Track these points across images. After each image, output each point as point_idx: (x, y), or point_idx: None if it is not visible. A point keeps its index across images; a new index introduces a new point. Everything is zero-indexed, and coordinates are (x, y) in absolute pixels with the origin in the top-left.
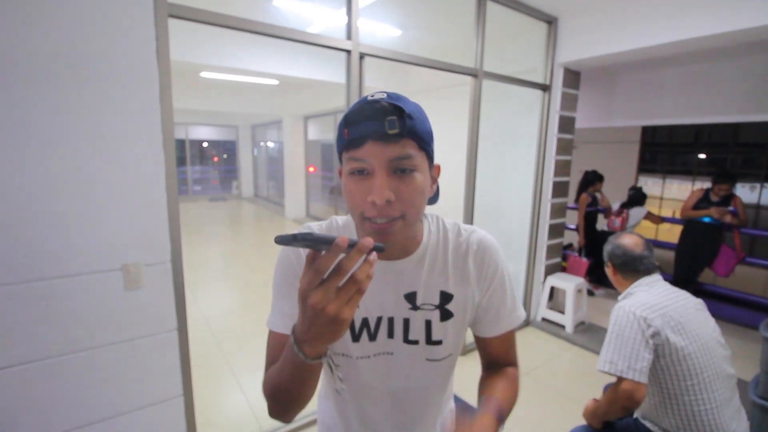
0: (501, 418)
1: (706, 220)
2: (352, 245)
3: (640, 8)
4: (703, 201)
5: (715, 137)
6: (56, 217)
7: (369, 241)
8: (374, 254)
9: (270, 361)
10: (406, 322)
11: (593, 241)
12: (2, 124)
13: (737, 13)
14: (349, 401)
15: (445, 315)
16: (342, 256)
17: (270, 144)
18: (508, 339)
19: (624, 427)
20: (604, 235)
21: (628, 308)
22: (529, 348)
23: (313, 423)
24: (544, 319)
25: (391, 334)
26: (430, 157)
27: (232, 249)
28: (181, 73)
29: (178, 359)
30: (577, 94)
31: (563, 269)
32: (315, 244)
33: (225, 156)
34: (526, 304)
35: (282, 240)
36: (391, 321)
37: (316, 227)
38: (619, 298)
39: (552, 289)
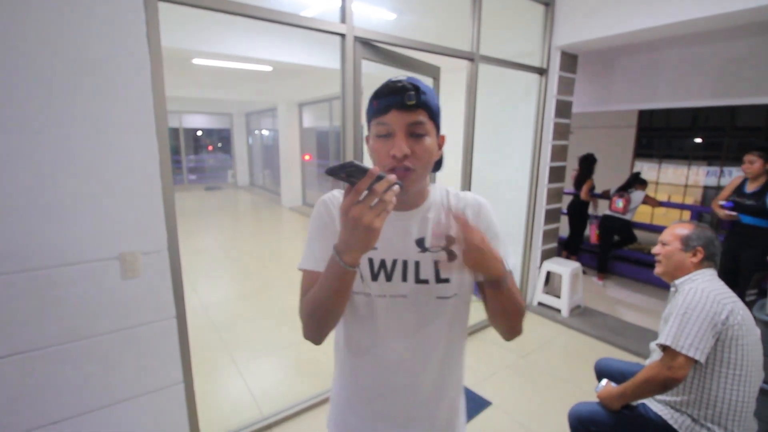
0: (506, 279)
1: (747, 220)
2: (380, 177)
3: None
4: (738, 193)
5: (711, 121)
6: (52, 206)
7: (393, 176)
8: (396, 186)
9: (304, 294)
10: (417, 264)
11: (582, 230)
12: None
13: None
14: (368, 335)
15: (451, 255)
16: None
17: (265, 132)
18: None
19: (632, 409)
20: (612, 220)
21: (703, 291)
22: (525, 332)
23: (308, 409)
24: (540, 304)
25: (404, 277)
26: (437, 126)
27: (229, 237)
28: (172, 59)
29: (177, 347)
30: (574, 78)
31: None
32: (354, 171)
33: (219, 144)
34: (523, 288)
35: (330, 170)
36: (405, 263)
37: (327, 198)
38: (677, 282)
39: (548, 273)
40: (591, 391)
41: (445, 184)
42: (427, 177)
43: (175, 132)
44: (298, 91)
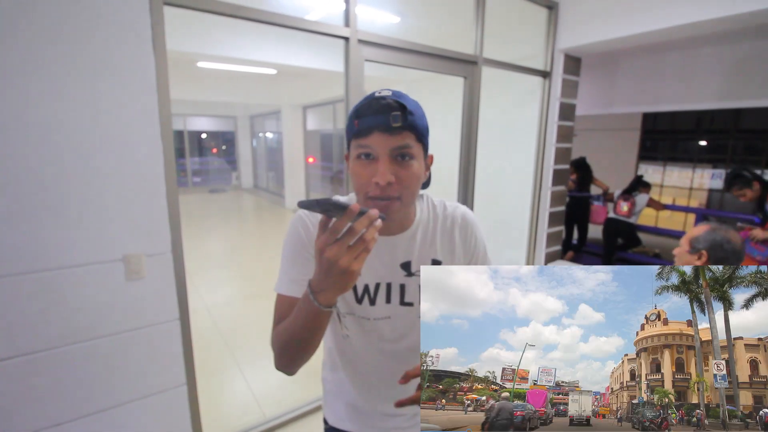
0: None
1: None
2: (361, 213)
3: None
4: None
5: (716, 123)
6: (57, 209)
7: (375, 212)
8: (379, 221)
9: (278, 321)
10: (402, 287)
11: (586, 231)
12: (0, 116)
13: None
14: (352, 349)
15: None
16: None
17: (269, 134)
18: None
19: None
20: (617, 223)
21: None
22: None
23: (311, 412)
24: None
25: (388, 299)
26: (425, 147)
27: (233, 240)
28: (177, 63)
29: (180, 349)
30: (578, 80)
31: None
32: (332, 208)
33: (224, 147)
34: None
35: (304, 204)
36: (388, 286)
37: (304, 214)
38: None
39: None
40: None
41: (432, 195)
42: (412, 203)
43: (179, 134)
44: (302, 94)
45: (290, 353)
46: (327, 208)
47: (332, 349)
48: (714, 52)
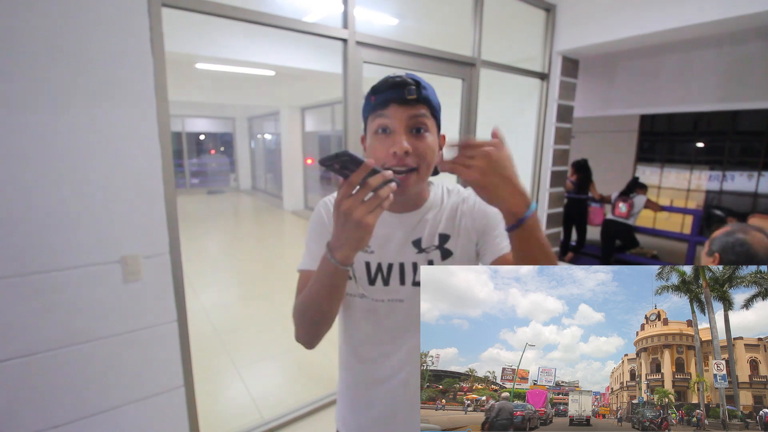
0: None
1: None
2: (375, 171)
3: None
4: None
5: (713, 125)
6: (54, 210)
7: (389, 172)
8: (393, 183)
9: (299, 294)
10: (414, 265)
11: (585, 232)
12: None
13: None
14: (363, 336)
15: (445, 254)
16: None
17: (267, 136)
18: None
19: None
20: (615, 225)
21: None
22: None
23: (310, 413)
24: None
25: (402, 281)
26: (438, 124)
27: (231, 241)
28: (175, 64)
29: (178, 351)
30: (576, 82)
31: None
32: (348, 161)
33: (222, 148)
34: None
35: (324, 159)
36: (402, 266)
37: (328, 199)
38: None
39: None
40: None
41: (441, 182)
42: (428, 177)
43: (177, 136)
44: (301, 96)
45: (309, 319)
46: (344, 160)
47: (347, 349)
48: (711, 54)
